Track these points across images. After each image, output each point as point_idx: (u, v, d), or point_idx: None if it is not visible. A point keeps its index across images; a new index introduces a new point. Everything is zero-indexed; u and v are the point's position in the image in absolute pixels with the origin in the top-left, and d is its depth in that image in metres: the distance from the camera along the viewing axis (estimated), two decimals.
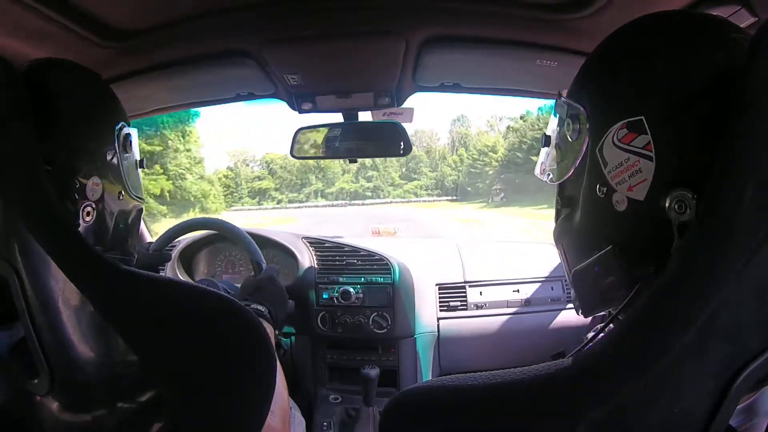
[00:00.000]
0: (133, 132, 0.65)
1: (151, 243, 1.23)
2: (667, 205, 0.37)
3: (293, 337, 1.59)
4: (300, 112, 1.23)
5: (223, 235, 1.33)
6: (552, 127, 0.54)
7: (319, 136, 1.35)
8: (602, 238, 0.44)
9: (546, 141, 0.55)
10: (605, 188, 0.42)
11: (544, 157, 0.56)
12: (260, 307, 0.90)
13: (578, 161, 0.46)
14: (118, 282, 0.50)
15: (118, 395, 0.53)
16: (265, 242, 1.58)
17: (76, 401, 0.54)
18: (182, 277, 1.53)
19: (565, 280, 1.59)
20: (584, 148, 0.45)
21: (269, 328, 0.88)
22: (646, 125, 0.39)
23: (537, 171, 0.58)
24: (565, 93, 0.51)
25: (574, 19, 0.81)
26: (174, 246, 1.58)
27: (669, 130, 0.38)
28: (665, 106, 0.38)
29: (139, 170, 0.69)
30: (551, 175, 0.53)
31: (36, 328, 0.51)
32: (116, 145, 0.61)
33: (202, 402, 0.51)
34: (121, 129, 0.62)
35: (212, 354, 0.51)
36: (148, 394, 0.53)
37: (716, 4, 0.66)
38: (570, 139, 0.47)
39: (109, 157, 0.60)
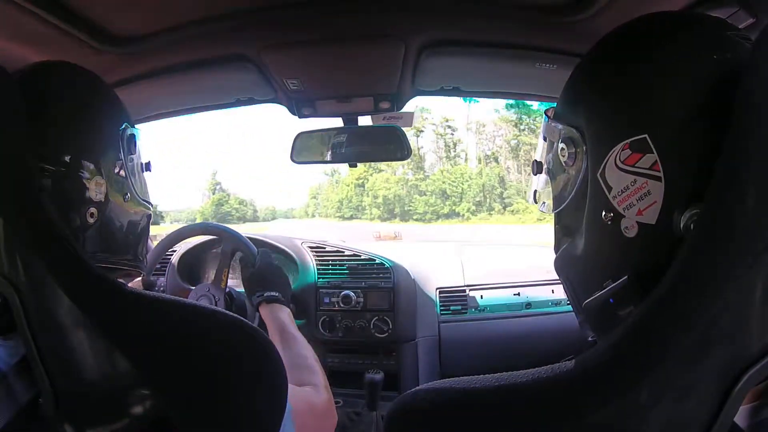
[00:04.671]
0: (138, 134, 0.64)
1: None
2: (682, 225, 0.35)
3: None
4: (300, 117, 1.23)
5: (221, 240, 1.32)
6: (541, 152, 0.51)
7: (319, 141, 1.35)
8: (613, 268, 0.41)
9: (537, 168, 0.51)
10: (612, 214, 0.39)
11: (536, 184, 0.53)
12: (274, 293, 0.96)
13: (576, 188, 0.43)
14: (123, 305, 0.49)
15: (125, 413, 0.52)
16: (265, 247, 1.58)
17: (83, 421, 0.53)
18: (183, 284, 1.52)
19: None
20: (582, 174, 0.42)
21: (288, 311, 0.94)
22: (650, 144, 0.36)
23: (530, 199, 0.55)
24: (551, 113, 0.48)
25: (573, 22, 0.81)
26: (174, 252, 1.58)
27: (676, 147, 0.35)
28: (670, 121, 0.36)
29: (145, 173, 0.68)
30: (548, 204, 0.50)
31: (39, 348, 0.49)
32: (120, 146, 0.60)
33: (210, 422, 0.50)
34: (124, 130, 0.61)
35: (223, 377, 0.51)
36: (156, 411, 0.52)
37: (714, 5, 0.66)
38: (565, 165, 0.44)
39: (112, 159, 0.59)
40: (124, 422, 0.51)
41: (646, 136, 0.36)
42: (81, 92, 0.58)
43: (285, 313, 0.94)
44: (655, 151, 0.36)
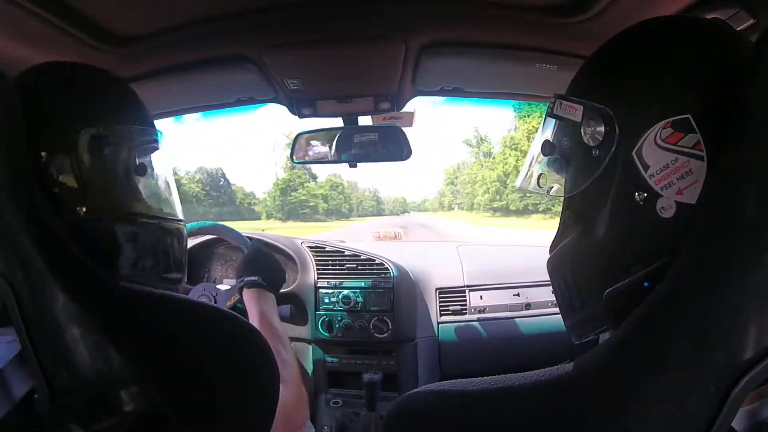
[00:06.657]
0: (127, 134, 0.59)
1: None
2: None
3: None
4: (300, 117, 1.23)
5: (221, 240, 1.33)
6: (551, 133, 0.49)
7: (319, 141, 1.35)
8: (645, 251, 0.40)
9: (550, 149, 0.49)
10: (645, 194, 0.39)
11: (541, 166, 0.51)
12: (253, 278, 0.95)
13: (602, 169, 0.42)
14: (118, 300, 0.49)
15: (121, 408, 0.52)
16: (265, 247, 1.58)
17: (79, 416, 0.53)
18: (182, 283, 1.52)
19: None
20: (612, 154, 0.41)
21: (272, 297, 0.94)
22: (693, 123, 0.37)
23: (525, 183, 0.53)
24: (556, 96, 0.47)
25: (573, 23, 0.81)
26: None
27: (718, 128, 0.36)
28: (713, 103, 0.36)
29: (138, 177, 0.60)
30: (556, 188, 0.50)
31: (34, 344, 0.49)
32: (104, 147, 0.56)
33: (205, 418, 0.50)
34: (112, 131, 0.57)
35: (218, 370, 0.51)
36: (152, 406, 0.53)
37: (715, 6, 0.66)
38: (589, 144, 0.43)
39: (88, 160, 0.55)
40: (119, 417, 0.51)
41: (689, 116, 0.37)
42: (73, 92, 0.56)
43: (266, 301, 0.91)
44: (698, 131, 0.37)
